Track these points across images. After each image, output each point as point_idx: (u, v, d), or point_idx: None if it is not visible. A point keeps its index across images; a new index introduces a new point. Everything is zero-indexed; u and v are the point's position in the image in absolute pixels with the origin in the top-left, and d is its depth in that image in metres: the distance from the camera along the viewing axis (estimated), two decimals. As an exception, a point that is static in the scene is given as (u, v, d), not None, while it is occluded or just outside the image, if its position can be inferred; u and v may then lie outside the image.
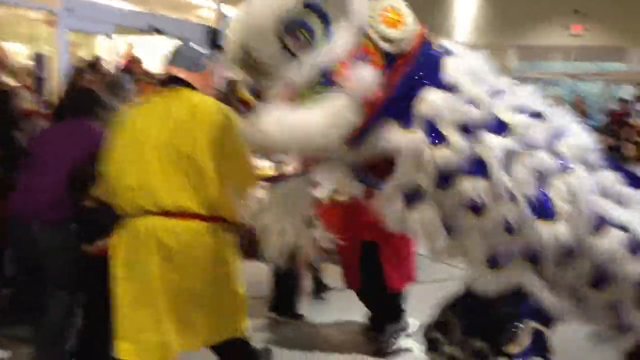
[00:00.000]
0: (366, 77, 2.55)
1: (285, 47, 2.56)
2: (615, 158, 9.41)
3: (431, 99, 2.61)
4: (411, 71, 2.64)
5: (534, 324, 2.79)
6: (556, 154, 2.75)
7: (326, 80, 2.56)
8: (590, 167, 2.86)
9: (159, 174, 3.27)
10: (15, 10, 9.76)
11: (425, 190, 2.64)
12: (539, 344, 2.80)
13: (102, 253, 4.62)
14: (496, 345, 2.81)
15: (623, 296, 2.90)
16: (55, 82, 8.97)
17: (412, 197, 2.66)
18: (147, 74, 9.34)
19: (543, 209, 2.66)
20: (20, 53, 9.33)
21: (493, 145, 2.62)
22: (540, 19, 18.97)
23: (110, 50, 10.67)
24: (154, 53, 11.49)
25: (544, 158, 2.70)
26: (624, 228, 2.81)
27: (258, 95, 2.66)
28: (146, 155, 3.30)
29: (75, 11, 9.62)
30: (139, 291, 3.30)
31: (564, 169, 2.73)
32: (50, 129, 5.45)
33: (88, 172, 4.72)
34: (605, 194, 2.86)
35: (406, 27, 2.66)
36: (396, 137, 2.61)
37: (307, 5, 2.55)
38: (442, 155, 2.58)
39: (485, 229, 2.67)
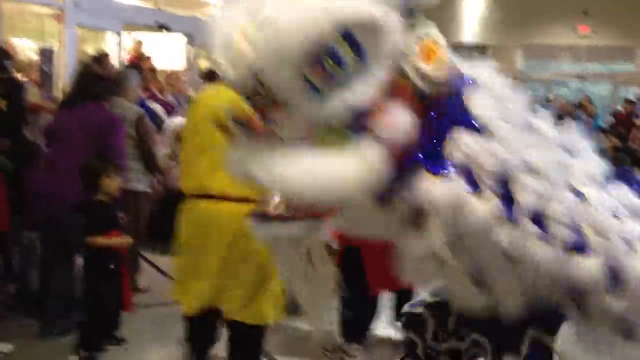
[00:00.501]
0: (403, 123, 2.22)
1: (306, 78, 2.12)
2: (622, 160, 9.36)
3: (467, 143, 2.32)
4: (442, 110, 2.34)
5: (534, 333, 2.76)
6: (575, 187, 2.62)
7: (357, 124, 2.19)
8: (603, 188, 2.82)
9: (205, 161, 3.74)
10: (23, 6, 9.78)
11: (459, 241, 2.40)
12: (540, 354, 2.73)
13: (103, 248, 4.77)
14: (496, 346, 2.77)
15: None
16: (63, 77, 9.00)
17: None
18: (153, 70, 9.36)
19: (577, 247, 2.51)
20: (28, 48, 9.35)
21: (529, 188, 2.41)
22: (548, 19, 18.92)
23: (117, 47, 10.68)
24: (161, 50, 11.52)
25: (571, 199, 2.54)
26: None
27: (246, 124, 2.28)
28: (196, 142, 3.82)
29: (82, 7, 9.64)
30: (191, 266, 3.93)
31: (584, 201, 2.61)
32: (64, 115, 5.57)
33: (99, 166, 4.86)
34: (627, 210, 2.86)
35: (443, 62, 2.32)
36: (433, 187, 2.29)
37: (339, 32, 2.10)
38: (482, 209, 2.32)
39: (519, 273, 2.51)
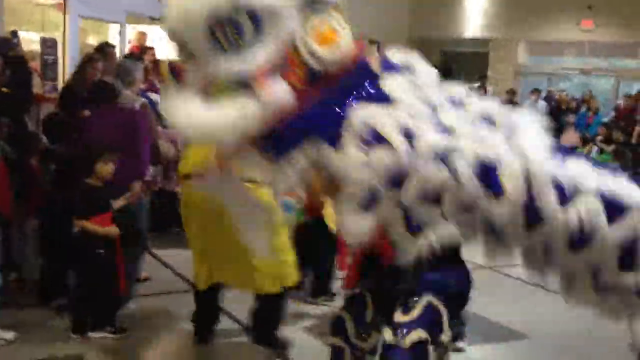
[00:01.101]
0: (279, 93, 2.64)
1: (216, 38, 2.63)
2: (622, 154, 9.31)
3: (364, 113, 2.69)
4: (332, 92, 2.71)
5: (430, 298, 2.82)
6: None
7: (243, 82, 2.63)
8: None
9: (195, 146, 4.17)
10: (26, -2, 9.80)
11: (379, 194, 2.71)
12: (430, 318, 2.84)
13: (86, 231, 4.92)
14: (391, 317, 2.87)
15: (602, 259, 2.92)
16: (65, 68, 9.02)
17: (367, 203, 2.72)
18: (156, 62, 9.36)
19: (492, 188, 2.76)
20: (31, 40, 9.35)
21: (429, 143, 2.72)
22: (552, 13, 18.86)
23: (121, 38, 10.69)
24: (163, 41, 11.51)
25: (493, 145, 2.80)
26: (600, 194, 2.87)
27: (176, 73, 2.79)
28: None
29: (86, -2, 9.66)
30: (191, 236, 4.63)
31: (522, 157, 2.82)
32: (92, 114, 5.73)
33: (95, 150, 4.96)
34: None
35: (337, 48, 2.70)
36: (342, 160, 2.69)
37: (241, 5, 2.60)
38: (389, 156, 2.65)
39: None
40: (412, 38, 18.58)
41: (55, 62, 8.50)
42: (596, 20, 18.71)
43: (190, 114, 2.65)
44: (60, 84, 8.21)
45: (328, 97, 2.71)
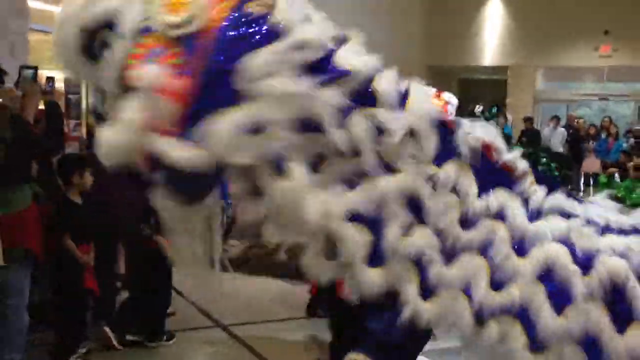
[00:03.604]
0: (151, 72, 2.40)
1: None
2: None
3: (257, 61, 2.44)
4: (217, 48, 2.46)
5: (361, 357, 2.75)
6: None
7: (120, 87, 2.46)
8: None
9: None
10: (50, 36, 9.95)
11: None
12: None
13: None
14: None
15: None
16: (88, 107, 9.12)
17: None
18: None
19: None
20: (54, 78, 9.48)
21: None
22: (569, 39, 18.88)
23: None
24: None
25: None
26: None
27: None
28: None
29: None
30: None
31: None
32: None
33: (73, 162, 5.28)
34: None
35: (191, 6, 2.50)
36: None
37: (99, 25, 2.59)
38: None
39: None
40: (428, 65, 18.64)
41: (79, 101, 8.60)
42: (614, 45, 18.70)
43: (104, 142, 2.42)
44: (84, 123, 8.32)
45: (215, 57, 2.49)
